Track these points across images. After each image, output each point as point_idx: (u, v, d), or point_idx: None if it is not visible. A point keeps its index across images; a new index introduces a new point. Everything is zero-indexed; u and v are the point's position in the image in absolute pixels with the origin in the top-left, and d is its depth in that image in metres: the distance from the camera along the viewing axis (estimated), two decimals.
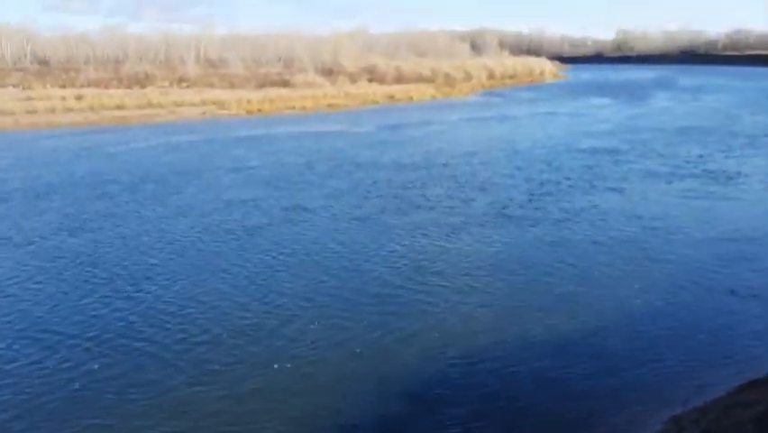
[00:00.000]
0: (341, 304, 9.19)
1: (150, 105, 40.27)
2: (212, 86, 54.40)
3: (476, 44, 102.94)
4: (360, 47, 75.29)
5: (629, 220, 13.30)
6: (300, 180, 17.81)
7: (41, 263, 11.01)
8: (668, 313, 8.86)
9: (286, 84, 55.29)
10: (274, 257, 11.23)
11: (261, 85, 55.53)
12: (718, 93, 50.55)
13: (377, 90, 53.41)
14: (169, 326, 8.50)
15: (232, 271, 10.58)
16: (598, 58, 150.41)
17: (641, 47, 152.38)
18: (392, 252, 11.44)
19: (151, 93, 44.96)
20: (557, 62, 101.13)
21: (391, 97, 50.98)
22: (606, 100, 46.12)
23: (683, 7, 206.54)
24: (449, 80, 64.11)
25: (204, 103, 41.93)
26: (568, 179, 17.45)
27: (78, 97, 40.82)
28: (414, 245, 11.77)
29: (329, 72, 61.91)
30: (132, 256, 11.33)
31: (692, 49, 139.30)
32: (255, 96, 45.69)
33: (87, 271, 10.57)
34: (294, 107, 43.88)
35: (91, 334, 8.27)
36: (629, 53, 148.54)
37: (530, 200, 15.06)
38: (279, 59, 71.32)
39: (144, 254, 11.43)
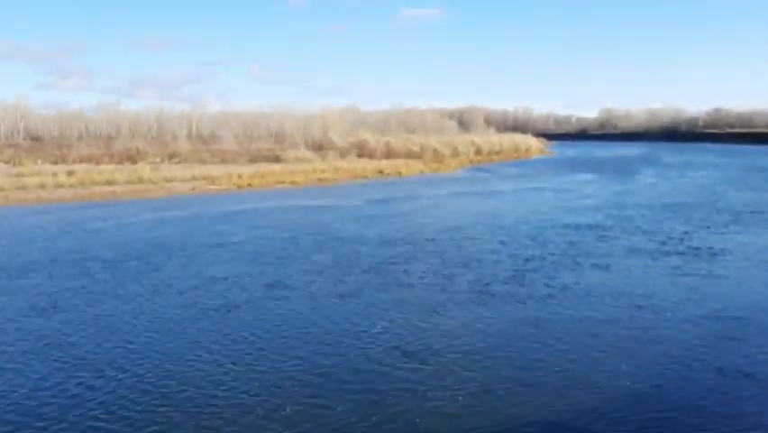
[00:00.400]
0: (319, 383, 8.87)
1: (141, 180, 40.50)
2: (203, 161, 55.11)
3: (463, 121, 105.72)
4: (350, 123, 77.07)
5: (615, 298, 13.13)
6: (284, 255, 17.65)
7: (2, 347, 10.61)
8: (656, 395, 8.58)
9: (277, 159, 56.15)
10: (252, 335, 10.91)
11: (253, 160, 56.35)
12: (702, 169, 51.63)
13: (366, 165, 54.24)
14: (139, 408, 8.10)
15: (209, 349, 10.24)
16: (582, 135, 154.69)
17: (624, 124, 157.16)
18: (371, 330, 11.15)
19: (142, 169, 45.31)
20: (543, 139, 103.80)
21: (381, 172, 51.69)
22: (591, 176, 46.91)
23: (666, 86, 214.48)
24: (437, 156, 65.33)
25: (194, 178, 42.28)
26: (552, 255, 17.38)
27: (69, 173, 41.02)
28: (394, 324, 11.50)
29: (319, 147, 63.04)
30: (104, 336, 10.97)
31: (674, 126, 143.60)
32: (246, 171, 46.17)
33: (53, 353, 10.19)
34: (284, 182, 44.30)
35: (49, 419, 7.85)
36: (613, 130, 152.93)
37: (514, 277, 14.90)
38: (271, 136, 72.76)
39: (117, 334, 11.07)
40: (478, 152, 73.47)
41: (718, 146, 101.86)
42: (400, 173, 52.14)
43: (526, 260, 16.78)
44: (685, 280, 14.52)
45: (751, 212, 25.62)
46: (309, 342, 10.59)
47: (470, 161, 67.89)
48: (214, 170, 46.35)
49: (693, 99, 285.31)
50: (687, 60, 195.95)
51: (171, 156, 57.07)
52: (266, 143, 67.77)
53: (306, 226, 22.96)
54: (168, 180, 41.07)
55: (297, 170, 48.98)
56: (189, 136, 68.50)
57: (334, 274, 15.31)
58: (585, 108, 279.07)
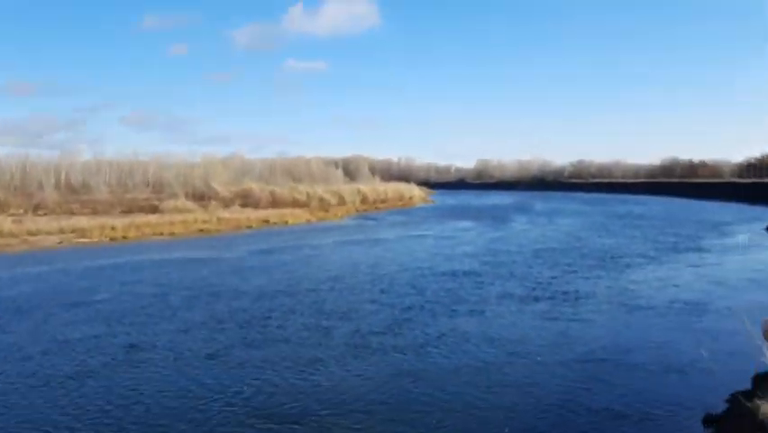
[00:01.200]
0: None
1: (1, 234, 36.96)
2: (72, 213, 51.43)
3: (349, 170, 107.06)
4: (233, 172, 75.47)
5: (490, 345, 13.36)
6: (151, 313, 16.49)
7: None
8: None
9: (154, 210, 53.59)
10: (107, 404, 9.90)
11: (128, 211, 53.39)
12: (569, 217, 55.31)
13: (251, 215, 53.13)
14: None
15: (53, 424, 9.15)
16: (461, 184, 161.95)
17: (499, 174, 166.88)
18: (242, 393, 10.49)
19: (3, 221, 41.39)
20: (425, 187, 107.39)
21: (266, 222, 50.80)
22: (470, 223, 48.80)
23: (534, 139, 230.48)
24: (324, 204, 65.43)
25: (62, 231, 39.11)
26: (430, 302, 17.58)
27: None
28: (266, 384, 10.91)
29: (201, 197, 61.01)
30: None
31: (543, 176, 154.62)
32: (120, 222, 43.50)
33: None
34: (162, 233, 42.25)
35: None
36: (488, 180, 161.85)
37: (392, 327, 14.82)
38: (148, 185, 69.48)
39: None
40: (364, 200, 74.49)
41: (583, 194, 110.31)
42: (286, 222, 51.55)
43: (405, 309, 16.83)
44: (554, 325, 15.11)
45: (611, 257, 27.48)
46: (171, 410, 9.76)
47: (357, 210, 68.60)
48: (85, 221, 43.26)
49: (558, 151, 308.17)
50: (552, 115, 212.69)
51: (36, 208, 52.76)
52: (142, 193, 64.60)
53: (180, 281, 21.80)
54: (31, 234, 37.70)
55: (177, 220, 46.92)
56: (57, 186, 63.83)
57: (205, 332, 14.46)
58: (463, 159, 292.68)
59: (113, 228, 40.33)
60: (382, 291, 19.36)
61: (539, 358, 12.40)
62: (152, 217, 48.16)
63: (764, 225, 41.74)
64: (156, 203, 55.94)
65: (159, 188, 66.68)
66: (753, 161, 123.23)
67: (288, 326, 15.07)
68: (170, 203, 55.21)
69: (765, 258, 27.60)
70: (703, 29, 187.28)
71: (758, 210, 58.14)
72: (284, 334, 14.33)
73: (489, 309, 16.74)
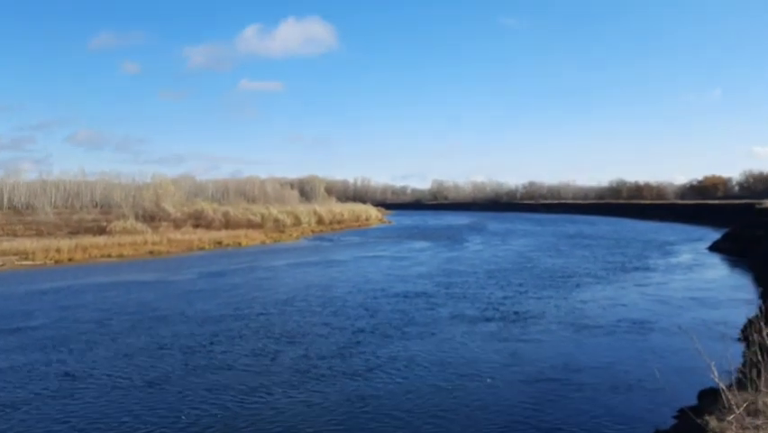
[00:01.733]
0: None
1: None
2: (15, 234, 49.52)
3: (305, 190, 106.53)
4: (185, 193, 74.05)
5: (440, 367, 13.24)
6: (91, 340, 15.78)
7: None
8: None
9: (102, 231, 51.98)
10: None
11: (75, 232, 51.66)
12: (521, 237, 56.16)
13: (203, 236, 52.04)
14: None
15: None
16: (417, 204, 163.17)
17: (454, 195, 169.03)
18: (176, 422, 10.03)
19: None
20: (382, 208, 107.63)
21: (219, 243, 49.86)
22: (425, 244, 49.00)
23: (487, 161, 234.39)
24: (279, 225, 64.68)
25: (4, 253, 37.48)
26: (381, 325, 17.39)
27: None
28: (207, 413, 10.47)
29: (151, 218, 59.53)
30: None
31: (497, 197, 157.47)
32: (66, 244, 41.96)
33: None
34: (110, 255, 41.03)
35: None
36: (444, 201, 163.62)
37: (341, 351, 14.55)
38: (96, 205, 67.52)
39: None
40: (320, 221, 74.03)
41: (535, 215, 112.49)
42: (240, 244, 50.67)
43: (355, 331, 16.60)
44: (504, 346, 15.11)
45: (560, 277, 27.91)
46: None
47: (313, 231, 68.10)
48: (28, 243, 41.57)
49: (511, 173, 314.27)
50: (504, 138, 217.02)
51: None
52: (90, 214, 62.65)
53: (124, 305, 21.05)
54: None
55: (126, 242, 45.62)
56: (0, 207, 61.43)
57: (145, 359, 13.91)
58: (419, 180, 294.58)
59: (58, 250, 38.91)
60: (333, 314, 19.10)
61: (489, 380, 12.34)
62: (100, 239, 46.71)
63: (706, 245, 43.18)
64: (104, 224, 54.31)
65: (107, 208, 64.82)
66: (695, 183, 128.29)
67: (233, 351, 14.65)
68: (119, 224, 53.67)
69: (708, 277, 28.46)
70: (649, 60, 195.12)
71: (700, 231, 60.29)
72: (228, 360, 13.90)
73: (439, 331, 16.67)
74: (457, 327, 17.27)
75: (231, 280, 27.80)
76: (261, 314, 19.24)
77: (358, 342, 15.45)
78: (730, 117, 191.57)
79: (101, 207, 66.85)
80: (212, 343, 15.44)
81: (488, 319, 18.21)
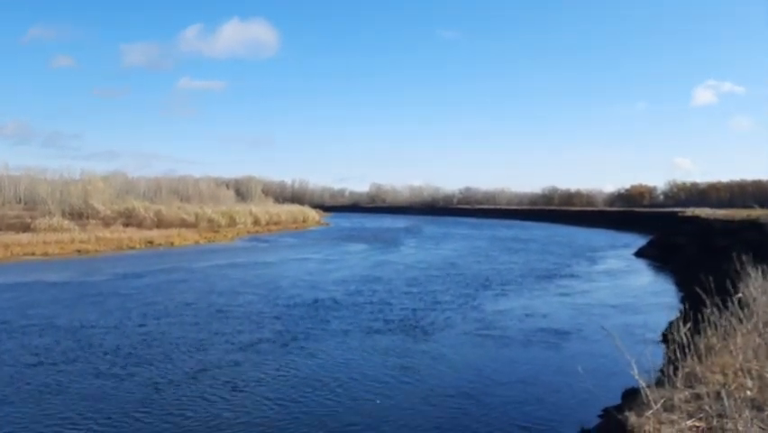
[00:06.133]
0: None
1: None
2: None
3: (241, 191, 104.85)
4: (116, 190, 71.55)
5: (321, 388, 12.01)
6: None
7: None
8: None
9: (27, 228, 49.62)
10: None
11: None
12: (454, 241, 56.78)
13: (134, 235, 50.60)
14: None
15: None
16: (355, 207, 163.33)
17: (391, 199, 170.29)
18: None
19: None
20: (320, 210, 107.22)
21: (150, 243, 48.65)
22: (359, 246, 49.27)
23: (425, 166, 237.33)
24: (213, 226, 63.50)
25: None
26: (265, 339, 16.05)
27: None
28: None
29: (79, 216, 57.28)
30: None
31: (434, 202, 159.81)
32: None
33: None
34: (34, 253, 39.38)
35: None
36: (381, 204, 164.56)
37: (197, 374, 12.90)
38: (20, 201, 64.32)
39: None
40: (256, 222, 73.18)
41: (471, 219, 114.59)
42: (172, 244, 49.56)
43: (235, 349, 15.10)
44: (404, 361, 14.02)
45: (482, 285, 27.07)
46: None
47: (249, 232, 67.27)
48: None
49: (448, 178, 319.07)
50: (441, 144, 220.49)
51: None
52: (13, 210, 59.62)
53: (8, 310, 19.91)
54: None
55: (51, 240, 43.82)
56: None
57: None
58: (357, 183, 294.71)
59: None
60: (217, 327, 17.70)
61: (377, 402, 11.22)
62: (24, 236, 44.71)
63: (632, 251, 45.32)
64: (28, 221, 51.86)
65: (32, 205, 61.86)
66: (622, 191, 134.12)
67: (73, 371, 13.07)
68: (44, 221, 51.43)
69: (633, 283, 29.38)
70: (578, 72, 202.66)
71: (627, 237, 62.83)
72: (61, 381, 12.37)
73: (330, 345, 15.42)
74: (352, 340, 15.97)
75: (140, 282, 26.77)
76: (142, 325, 17.81)
77: (232, 361, 13.95)
78: (654, 129, 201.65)
79: (25, 203, 63.76)
80: (39, 362, 13.73)
81: (391, 331, 17.09)
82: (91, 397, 11.45)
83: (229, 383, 12.29)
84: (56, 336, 16.35)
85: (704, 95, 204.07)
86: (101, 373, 13.01)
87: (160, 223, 60.25)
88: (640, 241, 51.20)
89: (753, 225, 26.82)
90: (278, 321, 18.50)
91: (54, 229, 49.57)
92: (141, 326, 17.79)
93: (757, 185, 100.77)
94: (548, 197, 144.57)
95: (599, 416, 10.28)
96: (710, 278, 8.57)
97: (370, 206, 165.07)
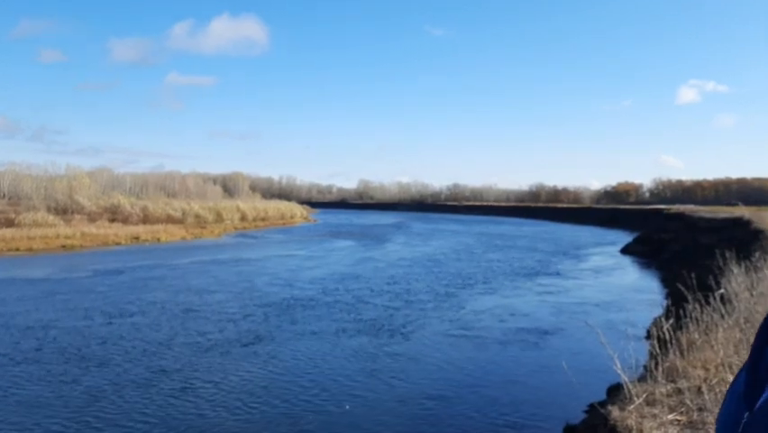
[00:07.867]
0: None
1: None
2: None
3: (228, 187, 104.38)
4: (101, 186, 70.97)
5: (284, 393, 11.36)
6: None
7: None
8: None
9: (11, 223, 49.09)
10: None
11: None
12: (441, 238, 56.23)
13: (120, 231, 50.17)
14: None
15: None
16: (343, 203, 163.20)
17: (380, 195, 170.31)
18: None
19: None
20: (307, 206, 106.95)
21: (136, 238, 48.26)
22: (345, 243, 49.07)
23: (413, 163, 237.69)
24: (200, 221, 63.16)
25: None
26: (229, 341, 15.27)
27: None
28: None
29: (64, 211, 56.73)
30: None
31: (422, 198, 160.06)
32: None
33: None
34: (18, 249, 39.00)
35: None
36: (369, 201, 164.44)
37: (147, 380, 12.09)
38: (4, 196, 63.62)
39: None
40: (243, 218, 72.86)
41: (459, 216, 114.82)
42: (159, 239, 49.23)
43: (198, 350, 14.39)
44: (377, 364, 13.45)
45: (462, 284, 26.50)
46: None
47: (236, 228, 66.94)
48: None
49: (436, 175, 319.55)
50: (430, 140, 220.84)
51: None
52: None
53: None
54: None
55: (36, 235, 43.40)
56: None
57: None
58: (345, 179, 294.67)
59: None
60: (179, 327, 16.93)
61: (346, 407, 10.75)
62: (8, 231, 44.19)
63: (619, 248, 45.67)
64: (12, 216, 51.28)
65: (16, 200, 61.19)
66: (609, 188, 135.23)
67: (20, 373, 12.36)
68: (29, 216, 50.85)
69: (619, 279, 29.50)
70: (566, 70, 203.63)
71: (614, 234, 63.18)
72: (1, 385, 11.64)
73: (296, 349, 14.61)
74: (322, 341, 15.29)
75: (120, 279, 26.33)
76: (106, 324, 17.03)
77: (190, 363, 13.23)
78: (640, 127, 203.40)
79: (9, 198, 63.06)
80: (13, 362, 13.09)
81: (363, 332, 16.32)
82: (31, 403, 10.71)
83: (184, 388, 11.56)
84: (12, 336, 15.55)
85: (688, 93, 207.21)
86: (48, 375, 12.23)
87: (147, 219, 59.81)
88: (626, 238, 51.51)
89: (736, 222, 27.15)
90: (246, 321, 17.74)
91: (39, 224, 49.04)
92: (105, 325, 16.97)
93: (741, 183, 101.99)
94: (535, 194, 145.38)
95: (585, 411, 10.37)
96: (693, 274, 8.69)
97: (358, 202, 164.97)
